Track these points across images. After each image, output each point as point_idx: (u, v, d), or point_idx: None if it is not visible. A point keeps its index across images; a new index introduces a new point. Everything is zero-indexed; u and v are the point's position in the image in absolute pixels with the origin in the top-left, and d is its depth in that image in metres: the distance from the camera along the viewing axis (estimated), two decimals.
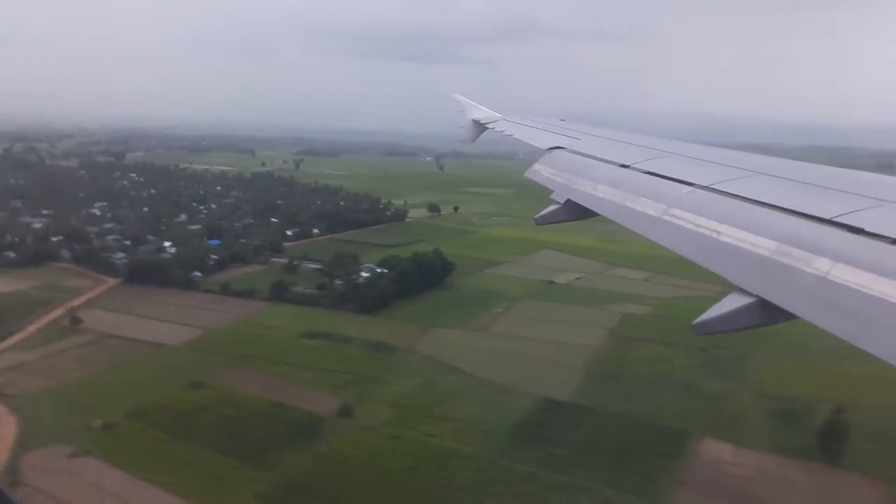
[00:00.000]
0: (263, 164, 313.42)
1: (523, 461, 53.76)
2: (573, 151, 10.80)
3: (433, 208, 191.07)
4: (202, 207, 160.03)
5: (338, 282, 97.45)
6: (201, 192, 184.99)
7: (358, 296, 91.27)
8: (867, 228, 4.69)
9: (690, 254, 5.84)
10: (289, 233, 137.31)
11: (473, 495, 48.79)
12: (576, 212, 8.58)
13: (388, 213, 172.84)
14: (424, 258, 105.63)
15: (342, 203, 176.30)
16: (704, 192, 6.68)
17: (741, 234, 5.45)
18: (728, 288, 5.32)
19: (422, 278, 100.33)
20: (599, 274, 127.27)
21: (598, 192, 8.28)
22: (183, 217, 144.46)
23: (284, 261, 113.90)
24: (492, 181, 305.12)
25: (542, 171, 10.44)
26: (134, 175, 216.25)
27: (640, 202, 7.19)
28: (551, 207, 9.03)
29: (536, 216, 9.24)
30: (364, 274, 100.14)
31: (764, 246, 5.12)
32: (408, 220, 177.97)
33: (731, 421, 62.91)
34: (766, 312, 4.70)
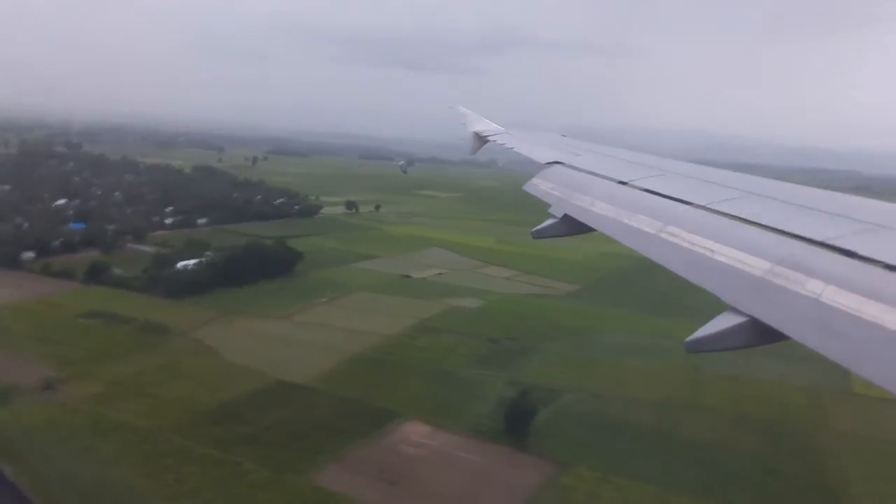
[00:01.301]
0: (220, 160, 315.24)
1: (197, 438, 53.47)
2: (572, 167, 10.86)
3: (351, 206, 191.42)
4: (99, 193, 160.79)
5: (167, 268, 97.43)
6: (111, 180, 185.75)
7: (173, 281, 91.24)
8: (860, 252, 4.69)
9: (685, 271, 5.84)
10: (168, 221, 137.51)
11: (111, 466, 48.48)
12: (572, 226, 8.61)
13: (297, 207, 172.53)
14: (264, 248, 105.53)
15: (259, 197, 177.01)
16: (701, 211, 6.75)
17: (735, 254, 5.49)
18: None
19: (256, 267, 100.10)
20: (467, 271, 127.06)
21: (595, 207, 8.34)
22: (62, 201, 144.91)
23: (144, 247, 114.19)
24: (448, 186, 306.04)
25: (540, 185, 10.52)
26: (56, 162, 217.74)
27: (636, 219, 7.25)
28: (548, 222, 9.07)
29: (533, 230, 9.22)
30: (192, 261, 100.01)
31: (757, 266, 5.14)
32: (319, 216, 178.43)
33: (454, 406, 62.45)
34: (758, 332, 4.73)
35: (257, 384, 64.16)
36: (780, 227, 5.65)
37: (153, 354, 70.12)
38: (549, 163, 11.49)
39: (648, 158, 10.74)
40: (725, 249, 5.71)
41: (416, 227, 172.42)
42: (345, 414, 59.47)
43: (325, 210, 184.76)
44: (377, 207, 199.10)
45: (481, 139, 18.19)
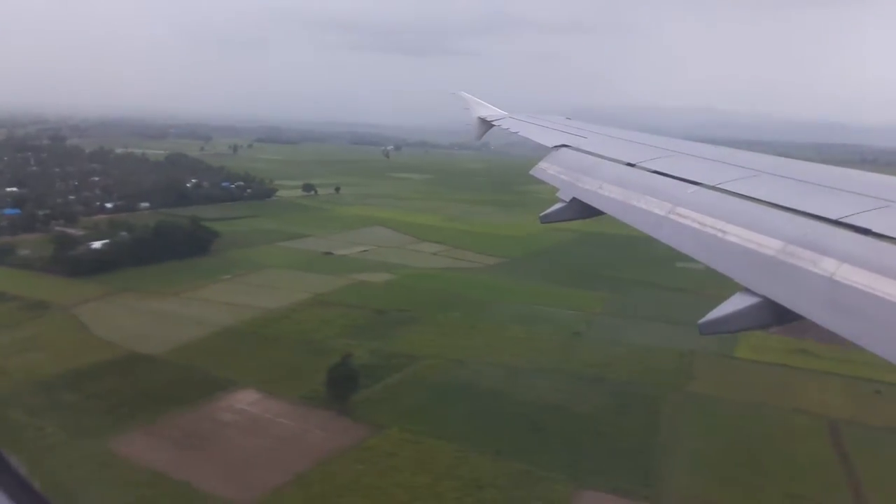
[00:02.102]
0: (202, 150, 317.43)
1: (16, 405, 54.36)
2: (579, 150, 10.76)
3: (309, 188, 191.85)
4: (56, 182, 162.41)
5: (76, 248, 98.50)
6: (72, 169, 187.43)
7: (76, 261, 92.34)
8: (874, 229, 4.63)
9: (696, 253, 5.83)
10: (108, 205, 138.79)
11: None
12: (581, 210, 8.56)
13: (248, 191, 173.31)
14: (177, 228, 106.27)
15: (206, 182, 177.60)
16: (711, 192, 6.68)
17: (747, 234, 5.46)
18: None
19: (166, 246, 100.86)
20: (396, 247, 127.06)
21: (603, 190, 8.29)
22: (12, 189, 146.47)
23: (73, 230, 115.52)
24: (426, 168, 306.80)
25: (547, 169, 10.40)
26: (29, 154, 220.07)
27: (645, 201, 7.19)
28: (556, 206, 8.99)
29: (542, 214, 9.17)
30: (99, 242, 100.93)
31: (770, 246, 5.11)
32: (273, 198, 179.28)
33: (297, 374, 62.74)
34: (772, 312, 4.70)
35: (107, 356, 64.88)
36: (792, 206, 5.54)
37: (20, 329, 71.16)
38: (555, 146, 11.32)
39: (656, 139, 10.53)
40: (737, 230, 5.62)
41: (369, 208, 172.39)
42: (181, 383, 59.99)
43: (282, 193, 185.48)
44: (337, 189, 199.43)
45: (486, 124, 18.04)
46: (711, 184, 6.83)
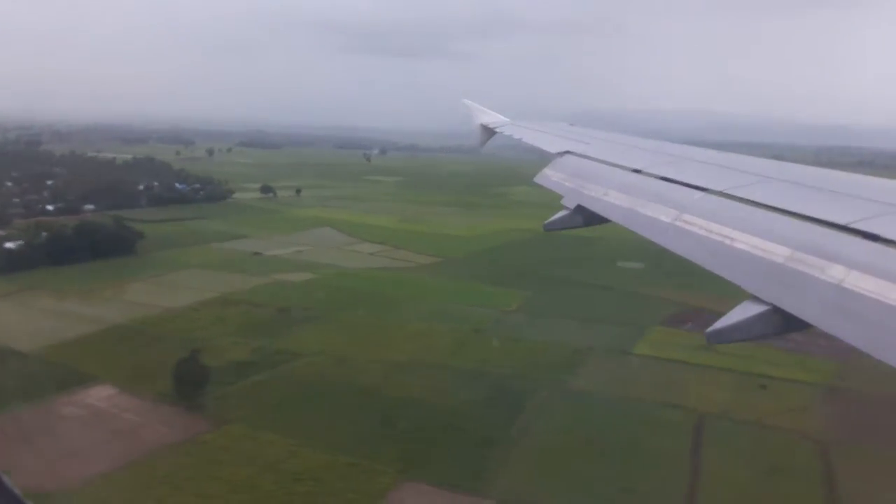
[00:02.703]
0: (178, 153, 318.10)
1: None
2: (583, 156, 10.74)
3: (266, 190, 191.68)
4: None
5: None
6: (30, 172, 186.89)
7: None
8: (883, 235, 4.59)
9: (703, 260, 5.74)
10: (50, 207, 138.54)
11: None
12: (586, 217, 8.51)
13: (202, 193, 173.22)
14: (99, 228, 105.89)
15: (157, 183, 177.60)
16: (717, 198, 6.65)
17: (754, 241, 5.43)
18: None
19: (86, 246, 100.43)
20: (333, 248, 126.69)
21: (608, 197, 8.23)
22: None
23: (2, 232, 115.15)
24: (403, 171, 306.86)
25: (551, 176, 10.38)
26: None
27: (651, 207, 7.15)
28: (561, 213, 8.91)
29: (545, 222, 9.02)
30: (13, 243, 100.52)
31: (777, 253, 5.07)
32: (229, 200, 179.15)
33: (162, 372, 61.86)
34: (780, 321, 4.66)
35: None
36: (800, 212, 5.44)
37: None
38: (559, 153, 11.18)
39: (661, 145, 10.43)
40: (744, 237, 5.54)
41: (326, 210, 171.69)
42: (41, 378, 59.31)
43: (240, 196, 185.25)
44: (298, 192, 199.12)
45: (489, 131, 17.92)
46: (718, 189, 6.73)
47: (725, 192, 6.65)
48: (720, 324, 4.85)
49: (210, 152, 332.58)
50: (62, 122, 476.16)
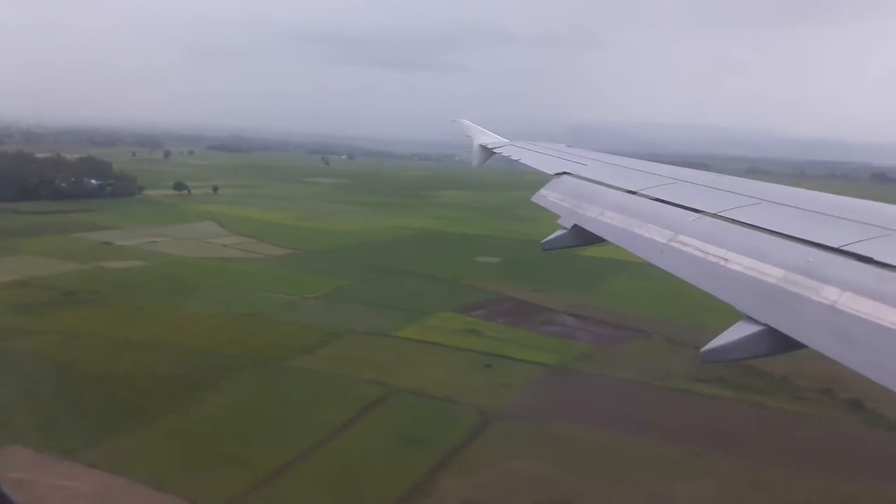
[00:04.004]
0: (133, 155, 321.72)
1: None
2: (580, 177, 10.91)
3: (180, 187, 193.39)
4: None
5: None
6: None
7: None
8: (876, 258, 4.62)
9: (698, 281, 5.80)
10: None
11: None
12: (582, 237, 8.59)
13: (108, 188, 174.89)
14: None
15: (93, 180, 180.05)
16: (712, 220, 6.72)
17: (749, 262, 5.46)
18: None
19: None
20: (193, 240, 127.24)
21: (604, 217, 8.36)
22: None
23: None
24: (353, 174, 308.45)
25: (548, 196, 10.49)
26: None
27: (647, 228, 7.25)
28: (558, 233, 9.03)
29: (543, 241, 9.16)
30: None
31: (772, 274, 5.11)
32: (136, 196, 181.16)
33: None
34: (774, 341, 4.73)
35: None
36: (794, 234, 5.53)
37: None
38: (556, 174, 11.41)
39: (657, 167, 10.58)
40: (739, 258, 5.61)
41: (226, 206, 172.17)
42: None
43: (152, 192, 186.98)
44: (215, 189, 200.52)
45: (487, 151, 18.13)
46: (713, 211, 6.80)
47: (720, 213, 6.70)
48: (715, 343, 4.87)
49: (167, 154, 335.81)
50: (39, 125, 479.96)
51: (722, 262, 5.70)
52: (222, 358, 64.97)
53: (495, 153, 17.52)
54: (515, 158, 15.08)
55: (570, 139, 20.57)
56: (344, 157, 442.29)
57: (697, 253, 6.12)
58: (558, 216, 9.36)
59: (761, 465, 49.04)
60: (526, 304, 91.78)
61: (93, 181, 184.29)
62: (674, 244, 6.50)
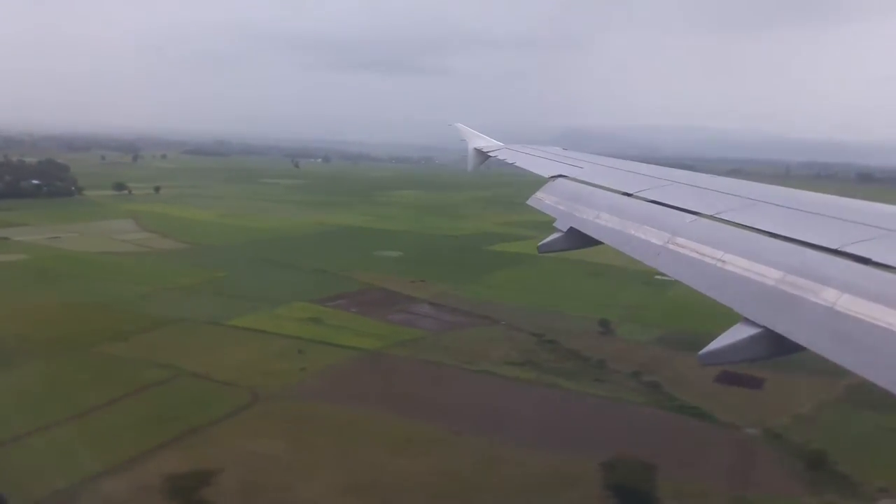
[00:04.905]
0: (103, 159, 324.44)
1: None
2: (575, 180, 10.75)
3: (120, 188, 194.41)
4: None
5: None
6: None
7: None
8: (874, 259, 4.61)
9: (695, 283, 5.75)
10: None
11: None
12: (578, 240, 8.51)
13: (45, 189, 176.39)
14: None
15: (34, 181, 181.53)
16: (709, 221, 6.68)
17: (746, 264, 5.42)
18: None
19: None
20: (98, 236, 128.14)
21: (600, 220, 8.27)
22: None
23: None
24: (315, 175, 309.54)
25: (544, 200, 10.39)
26: None
27: (643, 230, 7.19)
28: (554, 235, 8.96)
29: (540, 244, 9.09)
30: None
31: (770, 276, 5.06)
32: (74, 196, 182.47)
33: None
34: (773, 343, 4.69)
35: None
36: (791, 235, 5.48)
37: None
38: (552, 177, 11.27)
39: (652, 169, 10.45)
40: (736, 259, 5.55)
41: (157, 205, 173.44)
42: None
43: (92, 193, 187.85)
44: (156, 189, 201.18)
45: (482, 155, 18.07)
46: (709, 213, 6.76)
47: (717, 215, 6.64)
48: (714, 345, 4.79)
49: (135, 158, 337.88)
50: (29, 132, 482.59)
51: (719, 264, 5.58)
52: (31, 343, 64.87)
53: (490, 157, 17.36)
54: (510, 162, 14.86)
55: (563, 142, 20.34)
56: (319, 160, 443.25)
57: (695, 255, 6.00)
58: (554, 219, 9.18)
59: (511, 444, 48.56)
60: (392, 294, 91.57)
61: (33, 182, 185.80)
62: (671, 246, 6.39)
